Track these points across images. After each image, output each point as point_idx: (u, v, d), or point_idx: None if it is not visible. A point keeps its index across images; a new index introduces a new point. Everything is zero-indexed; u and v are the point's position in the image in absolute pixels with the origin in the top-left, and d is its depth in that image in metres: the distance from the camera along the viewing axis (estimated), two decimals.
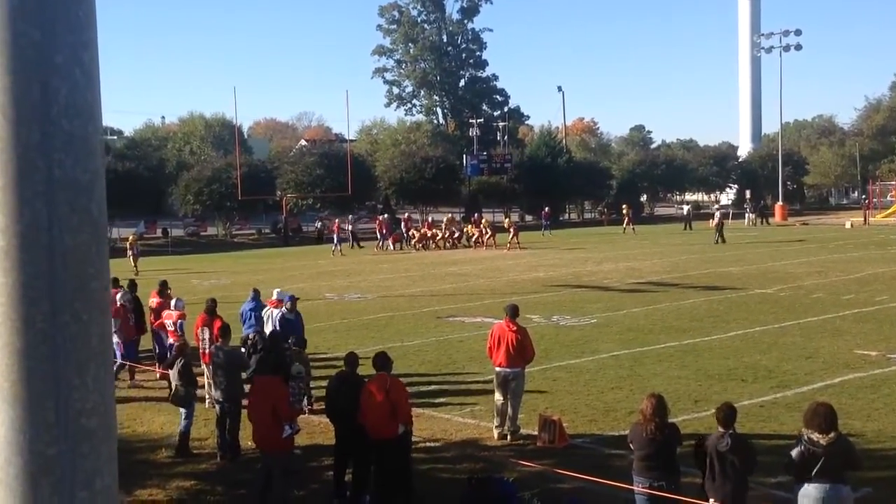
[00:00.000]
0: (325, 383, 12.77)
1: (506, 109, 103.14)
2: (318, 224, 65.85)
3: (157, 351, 18.18)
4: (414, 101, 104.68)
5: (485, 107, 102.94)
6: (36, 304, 2.16)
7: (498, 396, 13.41)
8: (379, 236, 54.24)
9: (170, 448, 13.29)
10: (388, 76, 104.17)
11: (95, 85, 2.25)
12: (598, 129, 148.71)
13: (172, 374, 13.65)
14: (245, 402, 12.23)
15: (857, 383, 15.66)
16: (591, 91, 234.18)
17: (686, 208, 69.22)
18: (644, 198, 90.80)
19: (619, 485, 9.41)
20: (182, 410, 13.26)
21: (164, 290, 18.92)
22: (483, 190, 78.21)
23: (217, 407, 13.32)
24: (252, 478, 11.19)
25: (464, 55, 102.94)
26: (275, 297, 16.96)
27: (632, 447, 9.19)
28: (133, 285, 19.96)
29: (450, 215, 60.33)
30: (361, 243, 54.66)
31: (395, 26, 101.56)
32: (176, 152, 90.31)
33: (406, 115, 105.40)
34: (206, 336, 15.37)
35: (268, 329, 16.23)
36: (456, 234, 54.11)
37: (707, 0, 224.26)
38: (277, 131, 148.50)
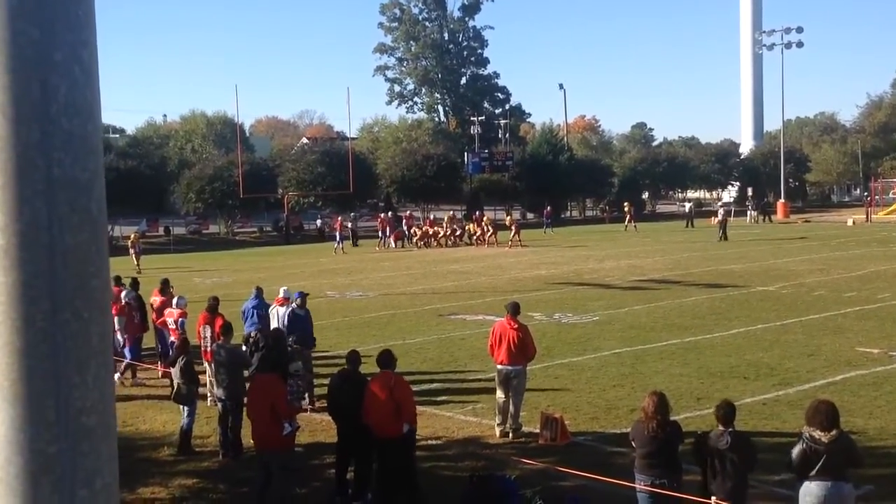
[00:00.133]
0: (327, 381, 12.78)
1: (507, 107, 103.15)
2: (319, 222, 65.88)
3: (160, 349, 18.20)
4: (415, 98, 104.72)
5: (486, 104, 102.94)
6: (36, 303, 2.15)
7: (499, 394, 13.41)
8: (381, 234, 54.26)
9: (172, 446, 13.30)
10: (390, 74, 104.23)
11: (95, 83, 2.25)
12: (599, 126, 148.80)
13: (174, 372, 13.66)
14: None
15: (859, 381, 15.64)
16: (592, 88, 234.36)
17: (688, 206, 69.24)
18: (646, 195, 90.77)
19: (621, 482, 9.41)
20: (184, 408, 13.26)
21: (165, 288, 18.94)
22: (484, 188, 78.21)
23: (219, 405, 13.32)
24: (254, 476, 11.19)
25: (465, 53, 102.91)
26: (281, 295, 16.96)
27: (633, 445, 9.18)
28: (135, 283, 19.97)
29: (451, 213, 60.31)
30: (358, 242, 54.56)
31: (396, 24, 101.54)
32: (178, 150, 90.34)
33: (407, 112, 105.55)
34: (208, 334, 15.37)
35: (273, 326, 16.22)
36: (458, 232, 54.13)
37: None
38: (279, 129, 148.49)
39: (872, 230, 54.61)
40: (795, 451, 8.10)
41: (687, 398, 14.69)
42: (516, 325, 13.42)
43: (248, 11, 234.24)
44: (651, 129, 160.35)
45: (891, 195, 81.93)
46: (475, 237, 52.83)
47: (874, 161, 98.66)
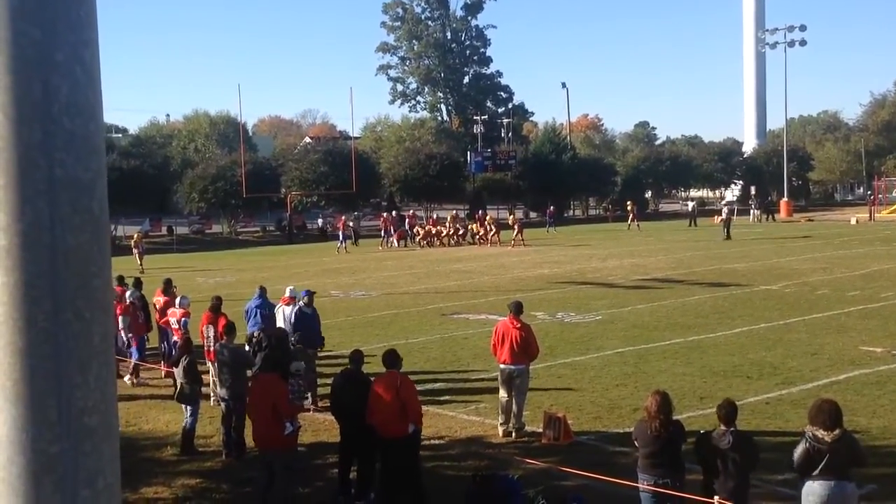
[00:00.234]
0: (330, 381, 12.78)
1: (510, 106, 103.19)
2: (320, 221, 65.88)
3: (164, 349, 18.22)
4: (418, 97, 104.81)
5: (489, 103, 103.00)
6: (38, 303, 2.16)
7: (502, 393, 13.42)
8: (383, 233, 54.27)
9: (175, 446, 13.31)
10: (393, 73, 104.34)
11: (97, 84, 2.25)
12: (602, 125, 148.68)
13: (177, 371, 13.68)
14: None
15: (862, 380, 15.63)
16: (595, 87, 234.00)
17: (691, 205, 69.19)
18: (649, 194, 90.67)
19: (624, 482, 9.41)
20: (187, 408, 13.27)
21: (168, 288, 18.95)
22: (487, 187, 78.16)
23: (222, 405, 13.34)
24: (257, 476, 11.20)
25: (468, 52, 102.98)
26: (287, 294, 16.97)
27: (636, 444, 9.18)
28: (138, 283, 19.98)
29: (454, 212, 60.31)
30: (358, 242, 54.53)
31: (399, 23, 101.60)
32: (181, 150, 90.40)
33: (410, 112, 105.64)
34: (211, 334, 15.39)
35: (279, 325, 16.24)
36: (461, 232, 54.13)
37: None
38: (282, 129, 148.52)
39: (876, 229, 54.56)
40: (798, 450, 8.09)
41: (690, 397, 14.69)
42: (519, 325, 13.42)
43: (251, 11, 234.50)
44: (654, 128, 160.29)
45: (894, 194, 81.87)
46: (478, 237, 52.84)
47: (877, 159, 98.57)
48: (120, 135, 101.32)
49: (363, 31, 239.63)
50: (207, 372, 15.44)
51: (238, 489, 11.62)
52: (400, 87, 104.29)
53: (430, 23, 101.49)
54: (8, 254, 2.15)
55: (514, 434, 13.23)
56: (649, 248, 44.84)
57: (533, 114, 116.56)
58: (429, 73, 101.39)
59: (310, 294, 16.50)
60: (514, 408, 13.31)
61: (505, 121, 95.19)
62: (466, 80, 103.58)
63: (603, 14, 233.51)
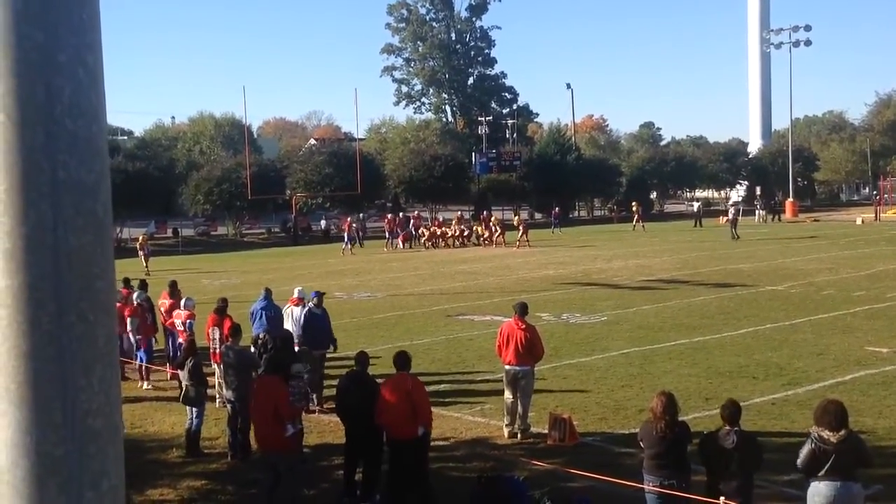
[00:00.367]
0: (335, 382, 12.79)
1: (515, 107, 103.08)
2: (323, 222, 65.87)
3: (169, 351, 18.24)
4: (423, 99, 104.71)
5: (494, 104, 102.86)
6: (42, 306, 2.16)
7: (507, 395, 13.41)
8: (388, 235, 54.27)
9: (180, 448, 13.32)
10: (397, 74, 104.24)
11: (100, 86, 2.25)
12: (607, 126, 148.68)
13: (183, 374, 13.70)
14: None
15: (868, 380, 15.61)
16: (600, 88, 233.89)
17: (696, 205, 69.11)
18: (654, 195, 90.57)
19: (630, 483, 9.40)
20: (192, 410, 13.28)
21: (174, 290, 18.99)
22: (492, 188, 78.17)
23: (228, 406, 13.36)
24: (262, 477, 11.20)
25: (472, 53, 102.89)
26: (295, 295, 16.99)
27: (642, 445, 9.17)
28: (143, 285, 20.02)
29: (459, 213, 60.34)
30: (363, 243, 54.56)
31: (403, 24, 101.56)
32: (186, 152, 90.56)
33: (415, 113, 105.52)
34: (217, 336, 15.41)
35: (287, 326, 16.25)
36: (465, 233, 54.14)
37: None
38: (287, 130, 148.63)
39: (881, 229, 54.46)
40: (804, 450, 8.08)
41: (695, 398, 14.67)
42: (524, 326, 13.42)
43: (255, 13, 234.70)
44: (659, 129, 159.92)
45: None
46: (483, 238, 52.86)
47: (883, 159, 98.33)
48: (125, 137, 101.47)
49: (368, 33, 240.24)
50: (213, 374, 15.45)
51: (243, 491, 11.63)
52: (405, 89, 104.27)
53: (434, 24, 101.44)
54: (11, 256, 2.15)
55: (519, 435, 13.23)
56: (654, 248, 44.80)
57: (538, 115, 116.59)
58: (433, 75, 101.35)
59: (319, 295, 16.48)
60: (520, 409, 13.30)
61: (510, 122, 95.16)
62: (471, 81, 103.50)
63: (607, 15, 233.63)
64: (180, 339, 16.86)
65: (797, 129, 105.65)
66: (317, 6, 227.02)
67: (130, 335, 17.91)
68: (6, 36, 2.12)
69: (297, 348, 14.72)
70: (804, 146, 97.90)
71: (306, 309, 16.21)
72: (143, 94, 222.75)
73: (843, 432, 7.98)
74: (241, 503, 11.45)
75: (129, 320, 17.77)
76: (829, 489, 7.94)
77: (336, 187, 66.75)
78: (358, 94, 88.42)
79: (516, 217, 58.64)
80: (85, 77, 2.20)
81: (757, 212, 69.48)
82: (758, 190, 78.57)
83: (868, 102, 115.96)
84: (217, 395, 15.14)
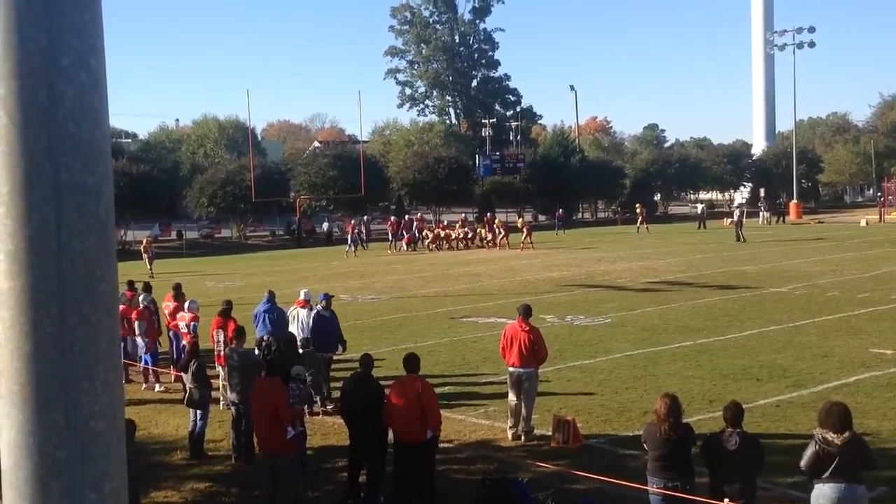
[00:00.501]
0: (338, 384, 12.79)
1: (518, 109, 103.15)
2: (326, 225, 65.86)
3: (174, 354, 18.26)
4: (426, 101, 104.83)
5: (497, 107, 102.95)
6: (44, 308, 2.16)
7: (511, 397, 13.41)
8: (391, 237, 54.28)
9: (185, 450, 13.33)
10: (401, 77, 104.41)
11: (102, 89, 2.25)
12: (611, 128, 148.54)
13: (186, 376, 13.70)
14: None
15: (872, 382, 15.58)
16: (603, 90, 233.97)
17: (700, 207, 69.05)
18: (658, 197, 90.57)
19: (634, 485, 9.39)
20: (196, 412, 13.29)
21: (178, 292, 19.01)
22: (496, 190, 78.20)
23: (232, 409, 13.36)
24: (263, 480, 11.20)
25: (476, 55, 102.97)
26: (301, 297, 16.99)
27: (646, 447, 9.16)
28: (148, 287, 20.04)
29: (462, 216, 60.37)
30: (367, 245, 54.60)
31: (407, 27, 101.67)
32: (190, 155, 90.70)
33: (419, 115, 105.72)
34: (222, 338, 15.41)
35: (293, 328, 16.26)
36: (469, 235, 54.15)
37: None
38: (291, 133, 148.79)
39: (886, 230, 54.39)
40: (808, 452, 8.07)
41: (699, 400, 14.66)
42: (528, 328, 13.41)
43: (260, 16, 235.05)
44: (663, 131, 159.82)
45: None
46: (486, 240, 52.87)
47: (887, 161, 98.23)
48: (129, 140, 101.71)
49: (371, 35, 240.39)
50: (217, 376, 15.46)
51: (247, 493, 11.63)
52: (408, 91, 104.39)
53: (438, 26, 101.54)
54: (14, 259, 2.15)
55: (523, 437, 13.22)
56: (658, 250, 44.77)
57: (541, 117, 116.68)
58: (437, 77, 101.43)
59: (327, 297, 16.46)
60: (524, 411, 13.30)
61: (513, 124, 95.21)
62: (475, 83, 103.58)
63: (611, 16, 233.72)
64: (184, 342, 16.88)
65: (801, 130, 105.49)
66: (320, 9, 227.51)
67: (139, 338, 17.92)
68: (8, 38, 2.12)
69: (300, 350, 14.71)
70: (808, 148, 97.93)
71: (315, 312, 16.19)
72: (147, 97, 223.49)
73: (847, 434, 7.97)
74: None
75: (136, 323, 17.80)
76: (833, 491, 7.93)
77: (340, 190, 66.79)
78: (362, 97, 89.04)
79: (520, 219, 58.66)
80: (87, 80, 2.21)
81: (761, 214, 69.40)
82: (762, 192, 78.49)
83: (872, 104, 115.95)
84: (221, 398, 15.15)
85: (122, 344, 17.18)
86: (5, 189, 2.14)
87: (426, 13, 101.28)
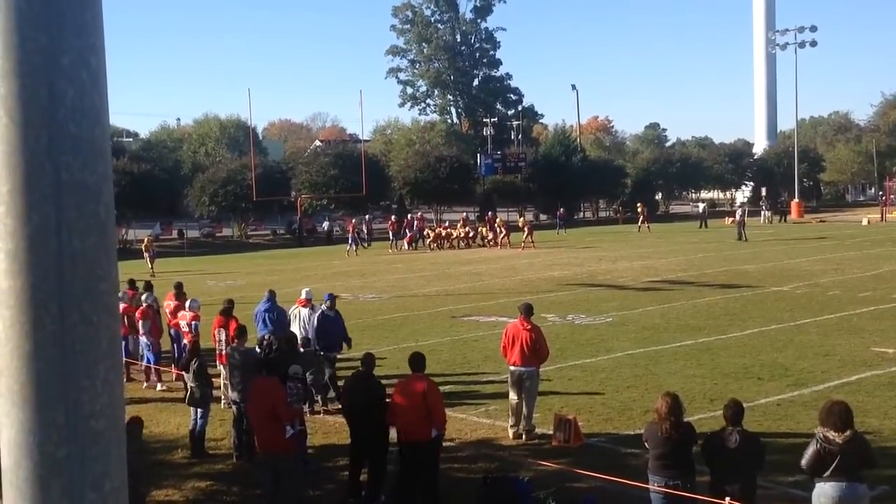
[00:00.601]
0: (340, 383, 12.80)
1: (520, 108, 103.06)
2: (326, 224, 65.85)
3: (175, 353, 18.27)
4: (428, 100, 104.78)
5: (499, 106, 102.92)
6: (45, 307, 2.16)
7: (512, 395, 13.41)
8: (391, 236, 54.27)
9: (186, 448, 13.34)
10: (402, 76, 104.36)
11: (102, 88, 2.26)
12: (612, 127, 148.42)
13: (188, 375, 13.71)
14: None
15: (874, 381, 15.57)
16: (605, 89, 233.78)
17: (701, 206, 69.01)
18: (659, 196, 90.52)
19: (635, 484, 9.40)
20: (197, 410, 13.30)
21: (180, 291, 19.02)
22: (497, 189, 78.19)
23: (233, 407, 13.37)
24: (264, 479, 11.21)
25: (477, 54, 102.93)
26: (303, 296, 16.98)
27: (647, 446, 9.17)
28: (149, 286, 20.06)
29: (464, 215, 60.38)
30: (370, 244, 54.61)
31: (408, 26, 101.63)
32: (191, 154, 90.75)
33: (420, 114, 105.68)
34: (223, 337, 15.41)
35: (294, 328, 16.26)
36: (471, 234, 54.15)
37: None
38: (292, 132, 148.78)
39: (887, 229, 54.37)
40: (809, 451, 8.07)
41: (700, 399, 14.66)
42: (529, 327, 13.42)
43: (261, 15, 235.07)
44: (664, 130, 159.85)
45: None
46: (488, 239, 52.87)
47: (889, 160, 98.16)
48: (130, 139, 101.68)
49: (373, 35, 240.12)
50: (218, 375, 15.46)
51: (248, 492, 11.63)
52: (410, 90, 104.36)
53: (439, 25, 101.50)
54: (14, 258, 2.15)
55: (524, 436, 13.23)
56: (660, 249, 44.75)
57: (543, 116, 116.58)
58: (438, 76, 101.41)
59: (332, 298, 16.41)
60: (525, 410, 13.30)
61: (515, 123, 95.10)
62: (476, 82, 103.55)
63: (613, 16, 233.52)
64: (185, 341, 16.88)
65: (803, 129, 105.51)
66: (322, 8, 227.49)
67: (144, 337, 17.92)
68: (9, 38, 2.12)
69: (301, 349, 14.70)
70: (810, 147, 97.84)
71: (319, 312, 16.16)
72: (148, 97, 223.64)
73: (848, 433, 7.97)
74: None
75: (141, 322, 17.81)
76: (834, 490, 7.93)
77: (341, 189, 66.79)
78: (363, 96, 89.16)
79: (521, 218, 58.65)
80: (88, 79, 2.21)
81: (762, 213, 69.36)
82: (763, 191, 78.44)
83: (874, 103, 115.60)
84: (222, 397, 15.16)
85: (124, 343, 17.20)
86: (5, 188, 2.15)
87: (428, 12, 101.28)
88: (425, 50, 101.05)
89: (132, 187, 55.46)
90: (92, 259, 2.21)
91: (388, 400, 11.23)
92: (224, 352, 14.95)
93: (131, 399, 15.62)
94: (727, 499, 8.27)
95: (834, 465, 7.89)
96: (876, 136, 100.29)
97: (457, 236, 53.33)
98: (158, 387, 17.41)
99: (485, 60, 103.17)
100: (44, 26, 2.14)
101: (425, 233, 54.79)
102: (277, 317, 16.76)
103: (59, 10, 2.16)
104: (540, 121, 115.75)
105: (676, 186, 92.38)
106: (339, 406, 13.28)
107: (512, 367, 13.43)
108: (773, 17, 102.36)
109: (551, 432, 13.03)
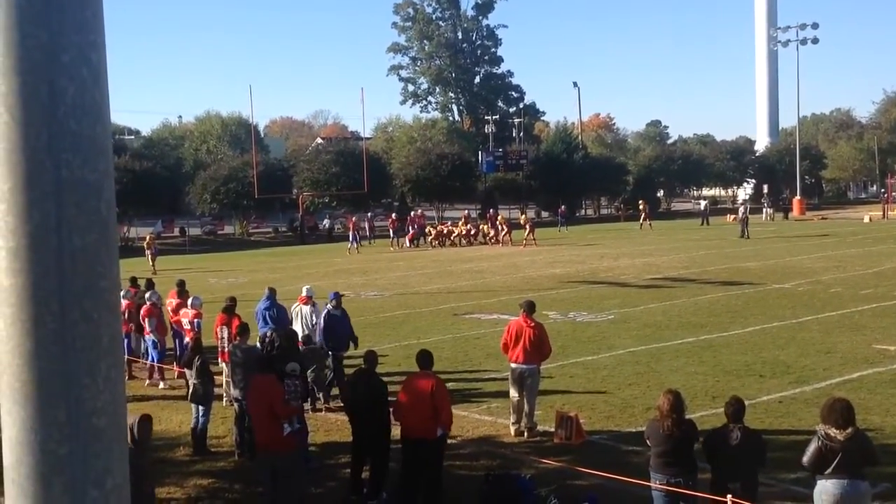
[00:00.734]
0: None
1: (521, 106, 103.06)
2: (327, 222, 65.82)
3: (176, 350, 18.27)
4: (429, 98, 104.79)
5: (500, 103, 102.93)
6: (46, 305, 2.16)
7: (513, 393, 13.41)
8: (392, 234, 54.24)
9: (188, 446, 13.35)
10: (404, 73, 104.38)
11: (103, 85, 2.25)
12: (614, 124, 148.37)
13: (190, 372, 13.71)
14: None
15: (875, 378, 15.57)
16: (606, 86, 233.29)
17: (703, 203, 68.99)
18: (661, 193, 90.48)
19: (637, 481, 9.40)
20: (199, 408, 13.30)
21: (182, 289, 19.03)
22: (499, 187, 78.18)
23: (235, 405, 13.37)
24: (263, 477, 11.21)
25: (479, 52, 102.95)
26: (304, 293, 16.97)
27: (649, 444, 9.17)
28: (150, 284, 20.06)
29: (465, 212, 60.36)
30: (372, 241, 54.62)
31: (410, 24, 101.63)
32: (193, 151, 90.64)
33: (421, 112, 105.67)
34: (225, 335, 15.42)
35: (296, 325, 16.25)
36: (472, 232, 54.13)
37: None
38: (293, 130, 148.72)
39: (889, 227, 54.34)
40: (810, 448, 8.07)
41: (702, 397, 14.66)
42: (533, 324, 13.42)
43: (262, 12, 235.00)
44: (666, 127, 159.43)
45: None
46: (489, 237, 52.85)
47: (891, 157, 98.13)
48: (132, 136, 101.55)
49: (374, 32, 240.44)
50: (221, 372, 15.47)
51: (250, 489, 11.63)
52: (411, 88, 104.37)
53: (441, 23, 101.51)
54: (15, 256, 2.15)
55: (526, 433, 13.23)
56: (661, 247, 44.74)
57: (544, 113, 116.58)
58: (440, 74, 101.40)
59: (338, 297, 16.34)
60: (526, 407, 13.30)
61: (516, 120, 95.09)
62: (477, 79, 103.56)
63: (614, 13, 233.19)
64: (187, 338, 16.89)
65: (804, 127, 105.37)
66: (323, 5, 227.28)
67: (150, 335, 17.92)
68: (9, 35, 2.12)
69: (301, 347, 14.70)
70: (812, 144, 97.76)
71: (325, 312, 16.10)
72: (150, 94, 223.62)
73: (850, 430, 7.97)
74: (248, 501, 11.45)
75: (147, 320, 17.83)
76: (836, 487, 7.92)
77: (343, 186, 66.76)
78: (364, 94, 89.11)
79: (523, 216, 58.63)
80: (88, 76, 2.21)
81: (764, 210, 69.30)
82: (765, 188, 78.40)
83: (876, 100, 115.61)
84: (224, 394, 15.17)
85: (126, 340, 17.22)
86: (6, 186, 2.14)
87: (429, 10, 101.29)
88: (427, 47, 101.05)
89: (134, 185, 55.47)
90: (93, 256, 2.21)
91: (390, 397, 11.23)
92: (226, 349, 14.96)
93: (133, 397, 15.64)
94: (729, 496, 8.27)
95: (835, 462, 7.89)
96: (878, 133, 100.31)
97: (458, 234, 53.31)
98: (161, 385, 17.42)
99: (486, 58, 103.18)
100: (44, 23, 2.13)
101: (427, 230, 54.77)
102: (277, 315, 16.75)
103: (60, 7, 2.16)
104: (541, 118, 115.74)
105: (678, 184, 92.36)
106: (341, 403, 13.28)
107: (513, 365, 13.43)
108: (775, 14, 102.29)
109: (553, 430, 13.04)
